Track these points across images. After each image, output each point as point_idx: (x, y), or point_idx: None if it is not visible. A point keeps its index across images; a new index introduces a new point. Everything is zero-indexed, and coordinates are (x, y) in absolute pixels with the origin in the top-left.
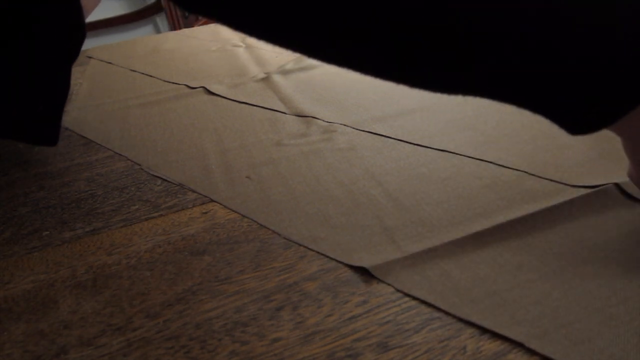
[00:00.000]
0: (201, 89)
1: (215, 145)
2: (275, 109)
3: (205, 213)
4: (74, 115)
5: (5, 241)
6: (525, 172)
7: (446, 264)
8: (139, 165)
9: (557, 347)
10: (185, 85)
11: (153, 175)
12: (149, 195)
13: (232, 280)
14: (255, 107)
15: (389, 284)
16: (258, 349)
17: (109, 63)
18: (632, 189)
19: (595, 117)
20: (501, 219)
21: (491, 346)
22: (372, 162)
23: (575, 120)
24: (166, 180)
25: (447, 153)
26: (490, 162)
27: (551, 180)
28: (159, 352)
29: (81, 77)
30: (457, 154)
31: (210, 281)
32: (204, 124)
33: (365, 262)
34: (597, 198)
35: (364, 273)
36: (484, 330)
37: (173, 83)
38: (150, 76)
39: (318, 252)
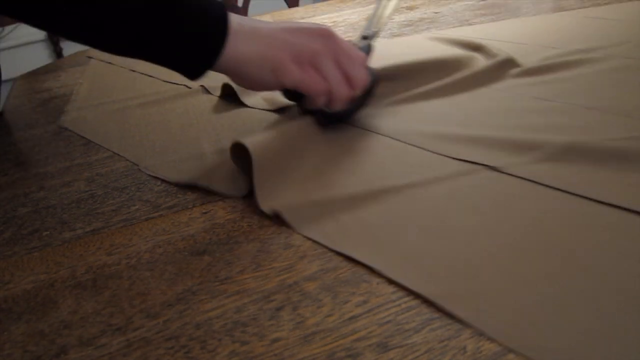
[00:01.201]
0: (200, 88)
1: (213, 145)
2: (265, 108)
3: (205, 213)
4: (73, 115)
5: (5, 241)
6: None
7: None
8: (137, 165)
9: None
10: (184, 85)
11: (151, 175)
12: (149, 195)
13: (232, 280)
14: (254, 108)
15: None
16: (258, 349)
17: (109, 63)
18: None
19: (195, 65)
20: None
21: (491, 346)
22: None
23: (185, 68)
24: (166, 180)
25: None
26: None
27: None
28: (159, 352)
29: (81, 77)
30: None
31: (210, 281)
32: (203, 124)
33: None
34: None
35: (364, 273)
36: (482, 331)
37: (172, 83)
38: (150, 76)
39: (317, 250)
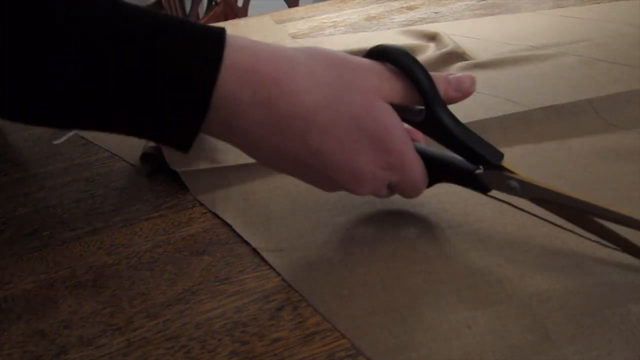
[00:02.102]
0: None
1: (211, 144)
2: None
3: (205, 213)
4: None
5: (5, 241)
6: None
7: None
8: (137, 165)
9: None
10: None
11: (152, 174)
12: (149, 195)
13: (232, 280)
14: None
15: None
16: (258, 349)
17: None
18: None
19: (178, 132)
20: None
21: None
22: None
23: (167, 138)
24: (166, 180)
25: None
26: None
27: None
28: (159, 352)
29: None
30: None
31: (210, 281)
32: None
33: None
34: None
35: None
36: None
37: None
38: None
39: None
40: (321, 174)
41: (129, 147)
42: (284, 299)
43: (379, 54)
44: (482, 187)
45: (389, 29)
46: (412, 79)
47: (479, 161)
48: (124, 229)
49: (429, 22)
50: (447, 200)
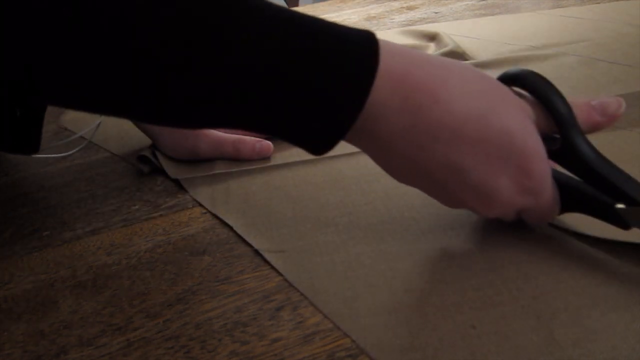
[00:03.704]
0: None
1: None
2: None
3: (205, 213)
4: (72, 115)
5: (5, 241)
6: None
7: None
8: (134, 165)
9: None
10: None
11: (153, 174)
12: (149, 195)
13: (232, 280)
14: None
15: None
16: (258, 349)
17: None
18: None
19: (321, 136)
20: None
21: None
22: None
23: (307, 141)
24: (166, 180)
25: None
26: None
27: None
28: (159, 352)
29: None
30: None
31: (210, 281)
32: None
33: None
34: None
35: None
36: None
37: None
38: None
39: None
40: (450, 189)
41: (129, 147)
42: (284, 299)
43: (509, 78)
44: (621, 223)
45: (389, 29)
46: (548, 105)
47: (620, 196)
48: (123, 229)
49: (429, 22)
50: None
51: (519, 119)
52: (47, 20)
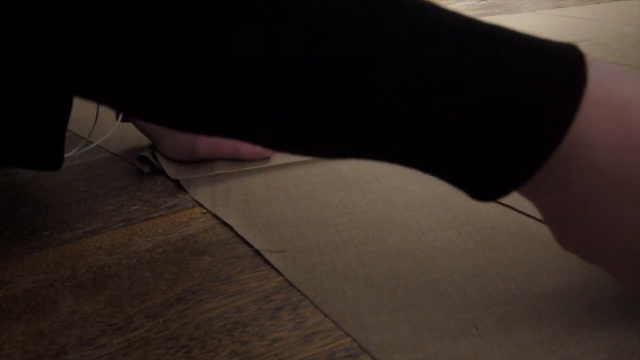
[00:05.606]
0: None
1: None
2: None
3: (205, 213)
4: (73, 115)
5: (5, 241)
6: None
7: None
8: (134, 165)
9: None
10: None
11: (153, 173)
12: (149, 195)
13: (232, 280)
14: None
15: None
16: (258, 349)
17: None
18: None
19: (494, 182)
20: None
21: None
22: None
23: (475, 184)
24: (166, 180)
25: None
26: None
27: None
28: (159, 352)
29: None
30: None
31: (210, 281)
32: None
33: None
34: None
35: None
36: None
37: None
38: None
39: None
40: None
41: (129, 147)
42: (284, 299)
43: None
44: None
45: None
46: None
47: None
48: (123, 229)
49: None
50: (450, 200)
51: None
52: None
